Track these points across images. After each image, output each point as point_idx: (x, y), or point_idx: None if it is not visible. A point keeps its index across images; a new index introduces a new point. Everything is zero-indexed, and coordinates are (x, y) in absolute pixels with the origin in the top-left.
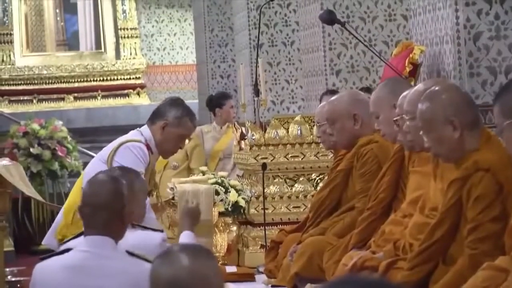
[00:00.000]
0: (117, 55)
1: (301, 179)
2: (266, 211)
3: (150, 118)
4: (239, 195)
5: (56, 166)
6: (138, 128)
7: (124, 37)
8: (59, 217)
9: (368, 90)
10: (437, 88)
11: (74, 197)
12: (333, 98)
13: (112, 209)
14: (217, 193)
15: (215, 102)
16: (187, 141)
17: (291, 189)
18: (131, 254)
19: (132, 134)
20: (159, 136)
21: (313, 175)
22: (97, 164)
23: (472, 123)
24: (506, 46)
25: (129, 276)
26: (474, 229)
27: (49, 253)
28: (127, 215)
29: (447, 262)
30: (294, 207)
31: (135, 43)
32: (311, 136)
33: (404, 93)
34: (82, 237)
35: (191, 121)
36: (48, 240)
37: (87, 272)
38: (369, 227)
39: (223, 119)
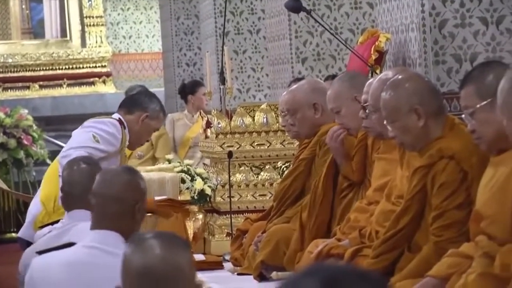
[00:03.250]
0: (83, 43)
1: (267, 167)
2: (232, 199)
3: (126, 107)
4: (205, 183)
5: (21, 154)
6: (112, 116)
7: (90, 25)
8: (36, 208)
9: (334, 77)
10: (400, 77)
11: (52, 185)
12: (292, 88)
13: (125, 202)
14: (183, 181)
15: (188, 89)
16: None
17: (257, 177)
18: None
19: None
20: (135, 127)
21: (279, 163)
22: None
23: (437, 111)
24: (471, 34)
25: None
26: (439, 216)
27: (30, 245)
28: (139, 212)
29: (413, 250)
30: (260, 195)
31: (100, 31)
32: (277, 124)
33: (370, 80)
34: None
35: (164, 116)
36: (25, 232)
37: (89, 269)
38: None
39: (196, 106)
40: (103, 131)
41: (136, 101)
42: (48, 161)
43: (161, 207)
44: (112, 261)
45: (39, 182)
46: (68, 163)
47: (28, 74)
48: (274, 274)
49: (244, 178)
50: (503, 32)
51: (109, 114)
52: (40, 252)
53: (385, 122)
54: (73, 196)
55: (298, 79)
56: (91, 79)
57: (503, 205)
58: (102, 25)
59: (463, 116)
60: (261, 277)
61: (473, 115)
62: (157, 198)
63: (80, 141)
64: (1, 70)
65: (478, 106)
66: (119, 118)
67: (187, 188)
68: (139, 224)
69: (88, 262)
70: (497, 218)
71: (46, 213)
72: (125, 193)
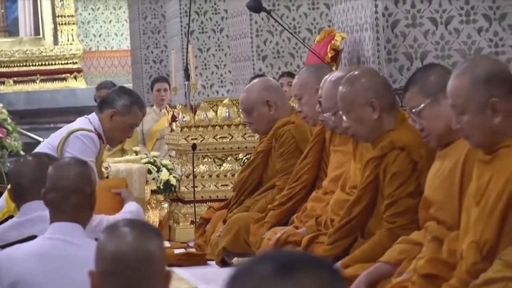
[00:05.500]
0: (55, 41)
1: (229, 158)
2: (196, 189)
3: (99, 106)
4: (170, 174)
5: None
6: (86, 116)
7: (62, 24)
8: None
9: (290, 74)
10: (357, 72)
11: None
12: (246, 88)
13: (82, 193)
14: (149, 172)
15: (150, 86)
16: None
17: (220, 168)
18: None
19: (81, 122)
20: (107, 125)
21: (240, 155)
22: (45, 150)
23: (390, 105)
24: (421, 33)
25: None
26: (392, 204)
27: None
28: (94, 202)
29: (366, 236)
30: (222, 185)
31: (72, 29)
32: (239, 118)
33: (326, 76)
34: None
35: (140, 110)
36: None
37: (54, 260)
38: (294, 206)
39: (155, 102)
40: (77, 151)
41: (106, 99)
42: (22, 153)
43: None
44: (74, 251)
45: None
46: (15, 160)
47: (2, 70)
48: (235, 260)
49: (207, 169)
50: (451, 32)
51: (78, 108)
52: (3, 246)
53: (340, 113)
54: (22, 188)
55: (259, 76)
56: (63, 75)
57: (450, 192)
58: (74, 23)
59: (409, 117)
60: (223, 263)
61: (420, 113)
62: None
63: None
64: None
65: (424, 104)
66: (95, 130)
67: (153, 179)
68: (93, 213)
69: (52, 253)
70: (445, 204)
71: (7, 211)
72: (81, 184)
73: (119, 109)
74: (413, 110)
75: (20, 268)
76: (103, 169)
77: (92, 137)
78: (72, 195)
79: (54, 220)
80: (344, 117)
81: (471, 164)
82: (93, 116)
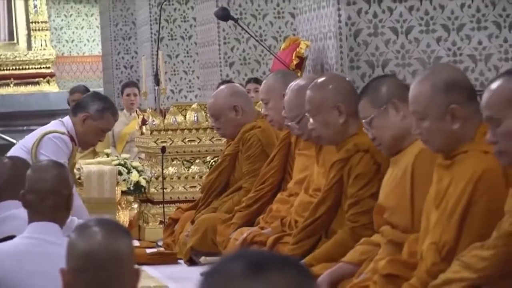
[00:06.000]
0: (29, 46)
1: (197, 161)
2: (165, 190)
3: (73, 110)
4: (140, 175)
5: None
6: (60, 119)
7: (35, 29)
8: None
9: (256, 80)
10: (326, 77)
11: None
12: (213, 94)
13: (59, 194)
14: (120, 173)
15: (120, 91)
16: None
17: (188, 170)
18: None
19: (54, 125)
20: (80, 128)
21: (208, 158)
22: (19, 152)
23: (356, 111)
24: (383, 42)
25: None
26: (355, 204)
27: None
28: (71, 203)
29: (329, 236)
30: (190, 186)
31: (45, 35)
32: (207, 122)
33: (290, 85)
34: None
35: (112, 115)
36: None
37: (33, 259)
38: (260, 207)
39: (125, 106)
40: (50, 152)
41: (80, 103)
42: None
43: None
44: (52, 250)
45: None
46: None
47: None
48: (202, 258)
49: (176, 171)
50: (411, 41)
51: (51, 111)
52: None
53: (307, 114)
54: None
55: (226, 82)
56: (36, 79)
57: (402, 197)
58: (47, 29)
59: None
60: (191, 262)
61: (370, 123)
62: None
63: None
64: None
65: (373, 114)
66: (68, 132)
67: (124, 180)
68: (69, 214)
69: (31, 252)
70: (398, 209)
71: None
72: (58, 186)
73: (92, 114)
74: (363, 120)
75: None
76: (75, 171)
77: (65, 139)
78: (50, 196)
79: (32, 221)
80: (310, 119)
81: (420, 169)
82: (67, 119)
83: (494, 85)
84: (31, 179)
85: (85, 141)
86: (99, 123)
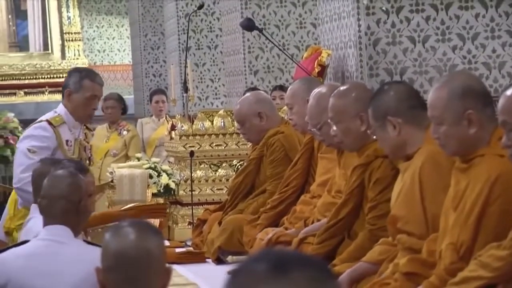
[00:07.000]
0: (63, 56)
1: (223, 165)
2: (193, 192)
3: (62, 95)
4: (170, 178)
5: (8, 152)
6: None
7: (69, 40)
8: (6, 211)
9: (281, 88)
10: (348, 86)
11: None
12: (239, 101)
13: (69, 199)
14: (150, 176)
15: (149, 98)
16: (125, 132)
17: (215, 173)
18: (88, 242)
19: (45, 116)
20: (70, 106)
21: (234, 161)
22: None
23: None
24: (401, 51)
25: (85, 262)
26: (374, 207)
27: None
28: (83, 209)
29: (351, 237)
30: (217, 189)
31: (78, 45)
32: (233, 128)
33: (314, 91)
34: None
35: (91, 80)
36: None
37: (44, 258)
38: (285, 209)
39: (154, 113)
40: (32, 139)
41: (63, 85)
42: None
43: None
44: (60, 250)
45: None
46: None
47: (14, 82)
48: (229, 258)
49: (203, 174)
50: (428, 50)
51: None
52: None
53: (329, 121)
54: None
55: (252, 89)
56: None
57: (413, 206)
58: (80, 40)
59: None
60: (218, 261)
61: (375, 133)
62: (124, 207)
63: (21, 163)
64: None
65: (373, 127)
66: (54, 116)
67: (154, 183)
68: (85, 219)
69: (39, 252)
70: (411, 218)
71: (9, 217)
72: (69, 193)
73: (72, 88)
74: (368, 131)
75: (8, 269)
76: (107, 174)
77: (41, 126)
78: (60, 201)
79: (46, 224)
80: (333, 127)
81: (427, 177)
82: (60, 106)
83: (509, 91)
84: (46, 186)
85: (79, 115)
86: (81, 93)
